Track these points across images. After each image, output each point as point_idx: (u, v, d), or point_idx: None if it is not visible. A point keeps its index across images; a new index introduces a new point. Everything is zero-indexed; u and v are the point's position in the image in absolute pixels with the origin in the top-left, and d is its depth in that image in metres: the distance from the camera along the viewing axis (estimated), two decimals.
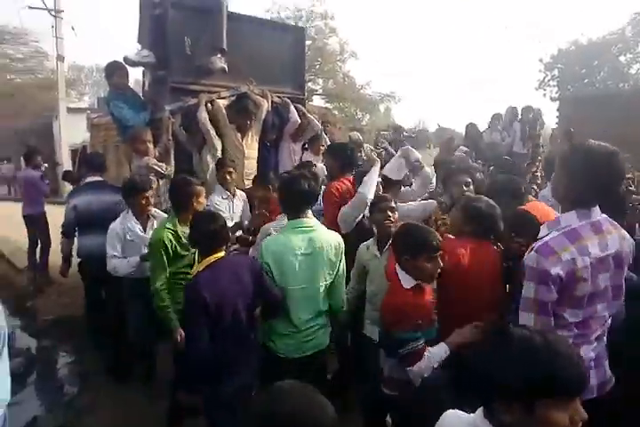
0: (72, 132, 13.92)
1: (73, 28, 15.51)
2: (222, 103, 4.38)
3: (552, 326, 1.69)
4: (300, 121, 4.80)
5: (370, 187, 3.08)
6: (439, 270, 2.12)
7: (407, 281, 2.11)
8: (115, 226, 3.33)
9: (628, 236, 1.83)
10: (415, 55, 68.97)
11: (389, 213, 2.74)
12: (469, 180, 3.09)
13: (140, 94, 4.74)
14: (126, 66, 4.32)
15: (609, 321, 1.83)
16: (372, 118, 25.39)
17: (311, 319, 2.47)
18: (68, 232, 4.02)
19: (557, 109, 15.04)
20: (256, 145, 4.53)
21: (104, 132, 5.28)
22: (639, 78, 20.41)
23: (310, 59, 18.99)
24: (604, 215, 1.78)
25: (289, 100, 4.84)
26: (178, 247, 2.86)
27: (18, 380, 3.92)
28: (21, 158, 6.85)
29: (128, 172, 4.46)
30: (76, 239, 4.05)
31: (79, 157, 6.69)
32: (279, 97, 4.82)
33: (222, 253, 2.35)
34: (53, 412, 3.53)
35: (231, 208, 3.84)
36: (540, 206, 2.39)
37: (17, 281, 6.26)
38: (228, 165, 3.87)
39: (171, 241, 2.83)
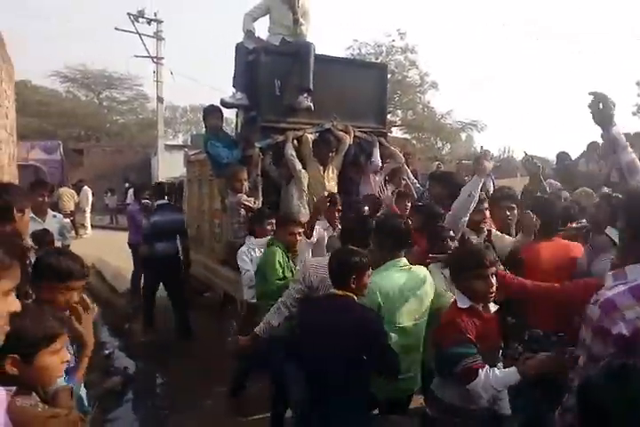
0: (168, 167, 15.12)
1: (172, 73, 17.05)
2: (310, 137, 4.62)
3: None
4: (380, 164, 4.95)
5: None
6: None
7: (462, 301, 2.09)
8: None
9: None
10: (497, 83, 67.60)
11: (450, 243, 2.83)
12: (513, 205, 3.37)
13: (233, 134, 5.11)
14: (221, 108, 4.71)
15: None
16: (452, 147, 24.98)
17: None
18: (147, 240, 5.38)
19: None
20: (336, 178, 4.70)
21: (198, 167, 5.71)
22: None
23: (390, 91, 19.26)
24: None
25: (375, 138, 4.99)
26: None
27: (116, 397, 4.26)
28: (130, 192, 7.52)
29: (219, 204, 4.81)
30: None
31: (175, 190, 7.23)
32: (363, 132, 4.97)
33: None
34: None
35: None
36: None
37: (117, 304, 6.76)
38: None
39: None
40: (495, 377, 1.89)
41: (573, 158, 6.92)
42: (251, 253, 3.67)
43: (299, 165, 4.44)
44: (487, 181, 3.57)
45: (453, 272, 2.18)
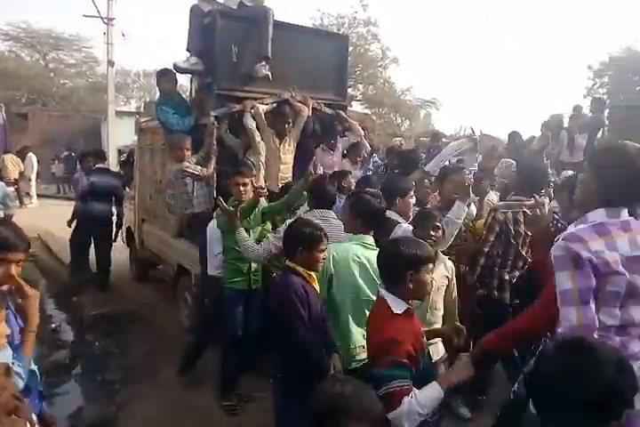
0: (119, 134, 14.48)
1: (123, 35, 16.07)
2: (262, 108, 4.47)
3: (596, 321, 1.56)
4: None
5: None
6: None
7: (398, 304, 1.84)
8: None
9: None
10: (457, 62, 68.03)
11: (432, 233, 2.71)
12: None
13: (187, 100, 4.90)
14: (175, 72, 4.49)
15: None
16: (411, 125, 25.16)
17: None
18: (83, 198, 5.81)
19: (607, 118, 14.51)
20: (293, 150, 4.60)
21: (151, 135, 5.48)
22: None
23: (351, 65, 19.02)
24: (633, 219, 1.71)
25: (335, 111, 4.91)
26: None
27: (63, 371, 4.15)
28: (77, 161, 7.24)
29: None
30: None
31: (126, 159, 6.94)
32: (322, 104, 4.87)
33: None
34: (97, 402, 3.69)
35: None
36: None
37: (64, 277, 6.52)
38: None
39: None
40: (418, 403, 1.66)
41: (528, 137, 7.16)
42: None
43: (258, 137, 4.32)
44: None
45: (397, 272, 1.86)
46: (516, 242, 3.17)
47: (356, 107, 20.71)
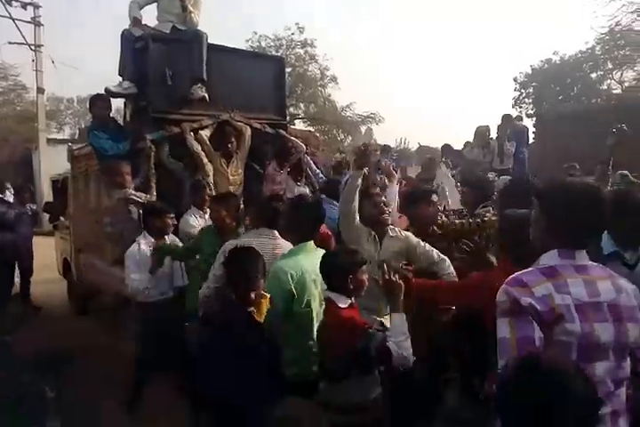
0: (52, 163, 13.83)
1: (53, 61, 15.57)
2: (205, 134, 4.46)
3: None
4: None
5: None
6: None
7: (341, 300, 2.19)
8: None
9: (631, 288, 1.51)
10: (394, 77, 70.84)
11: (384, 208, 2.88)
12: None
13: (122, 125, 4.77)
14: (108, 97, 4.38)
15: (622, 397, 1.44)
16: (353, 140, 25.67)
17: None
18: None
19: (534, 126, 15.46)
20: (241, 171, 4.61)
21: (85, 162, 5.26)
22: (610, 94, 21.11)
23: (292, 85, 19.30)
24: (595, 263, 1.53)
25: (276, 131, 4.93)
26: None
27: None
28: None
29: (108, 201, 4.46)
30: None
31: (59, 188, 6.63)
32: (263, 124, 4.88)
33: None
34: None
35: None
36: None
37: None
38: (205, 187, 4.05)
39: None
40: (394, 336, 2.03)
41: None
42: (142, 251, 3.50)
43: (205, 158, 4.33)
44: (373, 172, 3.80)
45: (331, 279, 2.24)
46: None
47: (300, 125, 20.93)
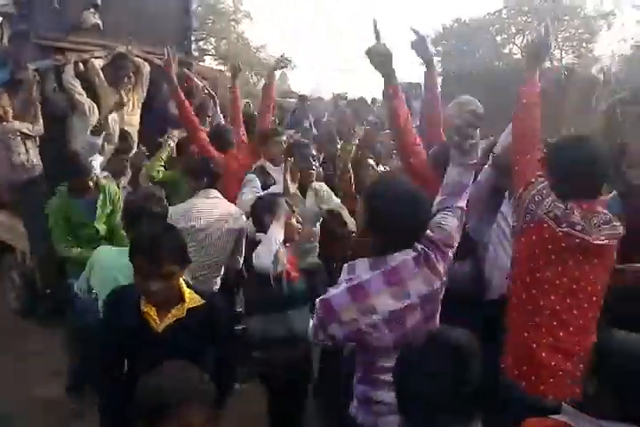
0: None
1: None
2: (98, 63, 4.06)
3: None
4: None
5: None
6: None
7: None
8: None
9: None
10: (308, 20, 68.25)
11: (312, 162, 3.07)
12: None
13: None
14: None
15: None
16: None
17: None
18: None
19: (440, 85, 16.02)
20: (138, 112, 4.30)
21: None
22: (511, 58, 22.33)
23: (201, 16, 17.94)
24: (408, 257, 1.47)
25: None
26: None
27: None
28: None
29: None
30: None
31: None
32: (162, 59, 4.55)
33: None
34: None
35: None
36: None
37: None
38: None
39: None
40: (267, 245, 2.11)
41: None
42: None
43: (78, 94, 3.88)
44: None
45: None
46: None
47: (210, 62, 19.72)
